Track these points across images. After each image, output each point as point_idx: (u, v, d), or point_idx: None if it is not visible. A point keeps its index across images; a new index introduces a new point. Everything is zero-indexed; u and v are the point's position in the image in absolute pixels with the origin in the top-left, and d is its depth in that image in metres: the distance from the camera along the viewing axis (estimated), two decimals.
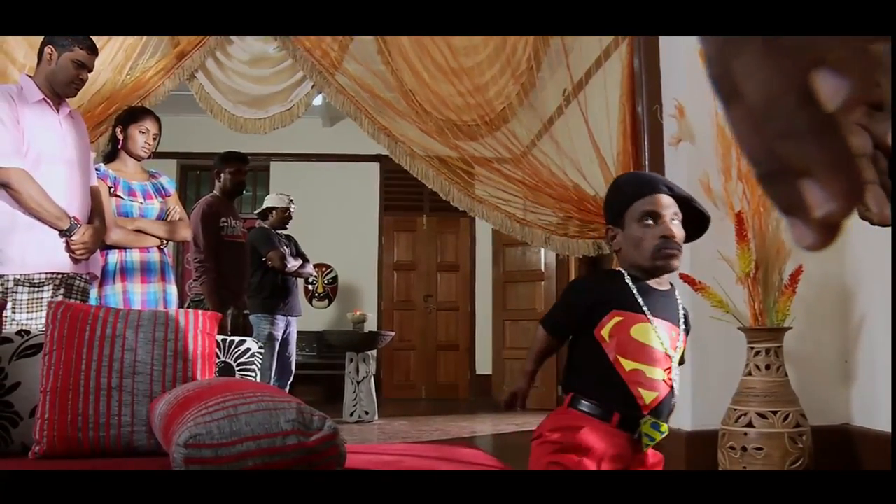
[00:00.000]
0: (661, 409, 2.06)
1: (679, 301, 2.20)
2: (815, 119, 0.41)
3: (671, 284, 2.20)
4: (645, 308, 2.08)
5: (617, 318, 2.06)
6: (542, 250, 8.53)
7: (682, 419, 3.97)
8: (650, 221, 2.06)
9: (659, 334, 2.08)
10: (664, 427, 2.07)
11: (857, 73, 0.41)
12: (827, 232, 0.43)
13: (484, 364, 9.91)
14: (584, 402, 2.07)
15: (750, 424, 3.45)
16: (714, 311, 3.63)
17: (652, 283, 2.13)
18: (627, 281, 2.11)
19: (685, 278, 3.64)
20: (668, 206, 2.08)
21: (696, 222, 2.17)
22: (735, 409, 3.53)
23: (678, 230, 2.08)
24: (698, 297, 3.65)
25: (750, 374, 3.55)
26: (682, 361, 2.20)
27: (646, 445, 2.07)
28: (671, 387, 2.09)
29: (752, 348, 3.56)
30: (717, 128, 3.77)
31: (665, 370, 2.06)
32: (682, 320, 2.17)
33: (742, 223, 3.56)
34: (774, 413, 3.44)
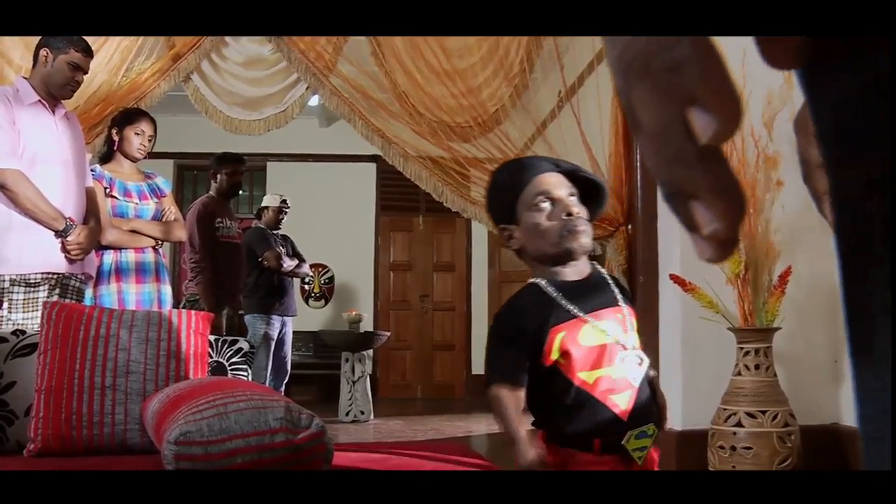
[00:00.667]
0: (640, 408, 1.83)
1: (606, 276, 1.95)
2: (698, 148, 0.46)
3: (591, 265, 1.95)
4: (575, 309, 1.83)
5: (560, 334, 1.80)
6: None
7: (673, 419, 4.00)
8: (545, 204, 1.86)
9: (603, 327, 1.83)
10: (651, 429, 1.83)
11: (723, 110, 0.45)
12: (722, 246, 0.48)
13: (480, 364, 9.92)
14: (558, 436, 1.82)
15: (739, 424, 3.49)
16: (704, 311, 3.66)
17: (569, 273, 1.88)
18: (548, 290, 1.85)
19: (675, 279, 3.68)
20: (561, 185, 1.88)
21: (593, 195, 1.95)
22: (724, 409, 3.56)
23: (579, 208, 1.87)
24: (688, 297, 3.68)
25: (739, 374, 3.58)
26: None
27: (640, 459, 1.81)
28: (643, 378, 1.86)
29: (742, 348, 3.60)
30: None
31: (623, 360, 1.83)
32: (618, 296, 1.91)
33: None
34: (763, 413, 3.47)
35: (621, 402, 1.80)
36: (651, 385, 1.88)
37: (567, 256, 1.85)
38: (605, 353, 1.80)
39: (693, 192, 0.48)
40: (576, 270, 1.88)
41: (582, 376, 1.79)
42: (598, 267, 1.96)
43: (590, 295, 1.87)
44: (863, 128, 0.53)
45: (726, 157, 0.48)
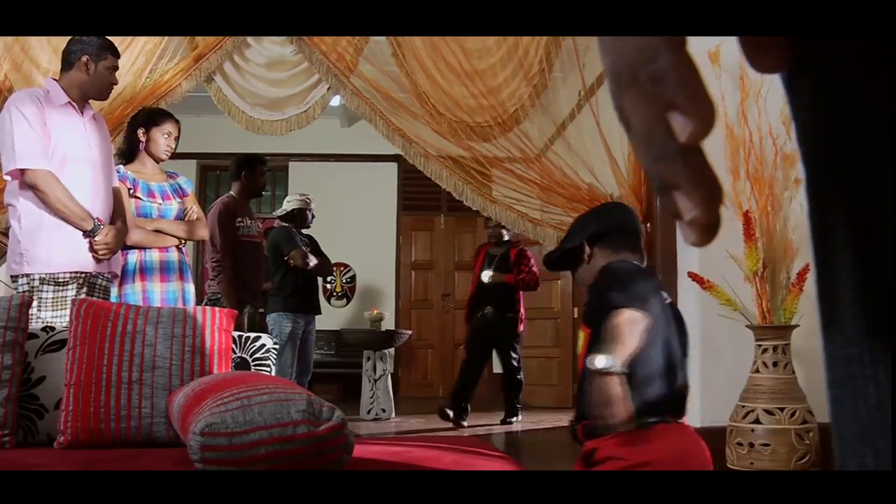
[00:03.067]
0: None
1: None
2: (679, 145, 0.52)
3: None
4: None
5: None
6: None
7: (692, 415, 4.01)
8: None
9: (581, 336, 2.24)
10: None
11: (699, 114, 0.52)
12: (704, 231, 0.55)
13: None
14: None
15: (757, 421, 3.51)
16: (722, 309, 3.69)
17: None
18: None
19: (694, 277, 3.70)
20: None
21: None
22: (743, 406, 3.58)
23: None
24: (707, 295, 3.70)
25: (758, 371, 3.60)
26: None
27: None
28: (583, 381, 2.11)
29: (760, 346, 3.61)
30: (726, 128, 3.82)
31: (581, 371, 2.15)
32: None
33: (750, 222, 3.61)
34: (781, 410, 3.49)
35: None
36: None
37: None
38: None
39: (675, 184, 0.55)
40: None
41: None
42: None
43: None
44: (836, 131, 0.58)
45: (704, 153, 0.55)
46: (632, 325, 1.97)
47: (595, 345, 2.04)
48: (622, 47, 0.56)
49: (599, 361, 1.91)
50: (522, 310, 7.17)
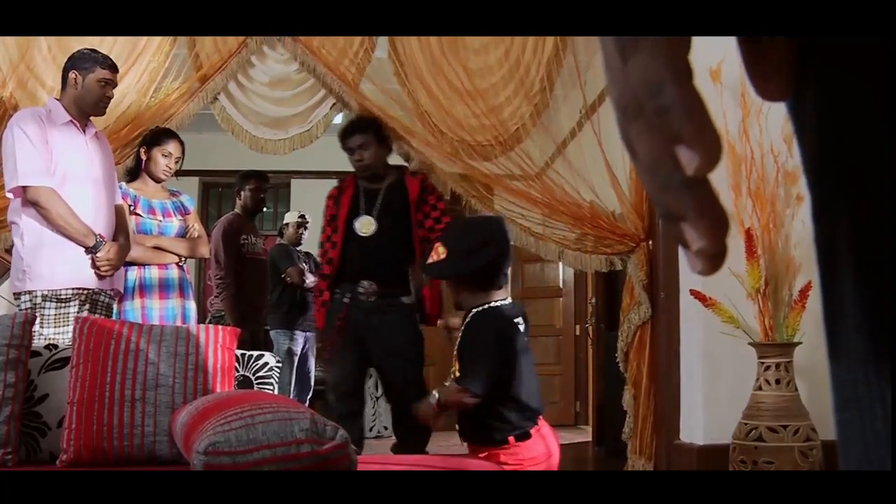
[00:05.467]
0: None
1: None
2: (685, 177, 0.54)
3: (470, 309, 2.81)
4: None
5: None
6: (561, 267, 8.57)
7: (695, 433, 4.01)
8: None
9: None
10: None
11: (705, 147, 0.53)
12: (711, 260, 0.56)
13: None
14: None
15: (760, 438, 3.50)
16: (725, 326, 3.68)
17: None
18: None
19: (696, 294, 3.70)
20: None
21: None
22: (746, 424, 3.57)
23: None
24: (709, 312, 3.70)
25: (760, 388, 3.59)
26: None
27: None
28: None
29: (763, 363, 3.61)
30: (727, 145, 3.83)
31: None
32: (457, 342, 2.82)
33: (751, 240, 3.61)
34: (785, 427, 3.48)
35: None
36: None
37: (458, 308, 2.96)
38: None
39: (681, 215, 0.55)
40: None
41: None
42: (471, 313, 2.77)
43: None
44: (841, 155, 0.59)
45: (710, 184, 0.55)
46: None
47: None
48: (628, 80, 0.56)
49: None
50: None
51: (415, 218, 3.95)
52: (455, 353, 2.78)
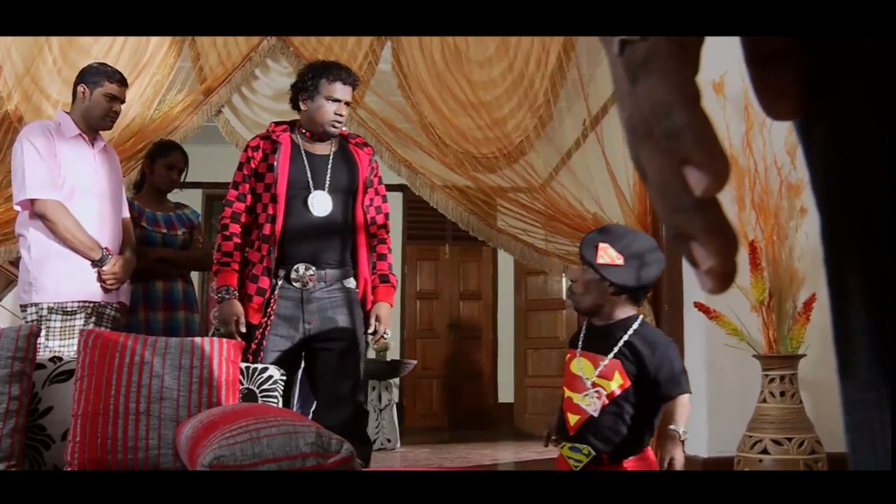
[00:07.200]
0: (584, 431, 2.44)
1: (621, 335, 2.48)
2: (694, 198, 0.55)
3: (622, 321, 2.52)
4: (580, 342, 2.59)
5: (567, 356, 2.64)
6: (564, 279, 8.57)
7: (699, 446, 4.00)
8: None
9: (581, 364, 2.53)
10: (585, 449, 2.43)
11: (713, 169, 0.54)
12: (720, 279, 0.56)
13: (506, 392, 9.91)
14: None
15: (765, 451, 3.49)
16: (729, 338, 3.68)
17: (596, 321, 2.58)
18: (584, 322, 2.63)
19: (700, 307, 3.70)
20: None
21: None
22: (750, 436, 3.57)
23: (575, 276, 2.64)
24: (713, 325, 3.70)
25: (765, 400, 3.59)
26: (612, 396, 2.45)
27: (574, 468, 2.43)
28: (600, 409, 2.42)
29: (767, 375, 3.60)
30: (731, 158, 3.83)
31: (585, 395, 2.45)
32: (613, 351, 2.47)
33: (755, 252, 3.62)
34: (789, 440, 3.48)
35: (571, 420, 2.48)
36: (621, 424, 2.43)
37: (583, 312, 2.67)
38: (576, 382, 2.51)
39: (691, 235, 0.56)
40: (599, 318, 2.56)
41: (564, 391, 2.56)
42: (632, 324, 2.50)
43: (593, 338, 2.55)
44: (851, 179, 0.59)
45: (719, 205, 0.56)
46: None
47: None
48: (637, 102, 0.57)
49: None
50: None
51: (360, 200, 3.37)
52: (607, 364, 2.48)
